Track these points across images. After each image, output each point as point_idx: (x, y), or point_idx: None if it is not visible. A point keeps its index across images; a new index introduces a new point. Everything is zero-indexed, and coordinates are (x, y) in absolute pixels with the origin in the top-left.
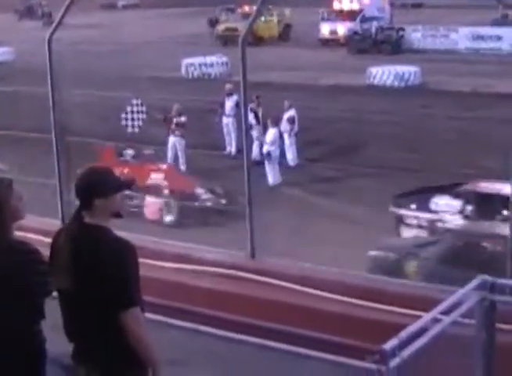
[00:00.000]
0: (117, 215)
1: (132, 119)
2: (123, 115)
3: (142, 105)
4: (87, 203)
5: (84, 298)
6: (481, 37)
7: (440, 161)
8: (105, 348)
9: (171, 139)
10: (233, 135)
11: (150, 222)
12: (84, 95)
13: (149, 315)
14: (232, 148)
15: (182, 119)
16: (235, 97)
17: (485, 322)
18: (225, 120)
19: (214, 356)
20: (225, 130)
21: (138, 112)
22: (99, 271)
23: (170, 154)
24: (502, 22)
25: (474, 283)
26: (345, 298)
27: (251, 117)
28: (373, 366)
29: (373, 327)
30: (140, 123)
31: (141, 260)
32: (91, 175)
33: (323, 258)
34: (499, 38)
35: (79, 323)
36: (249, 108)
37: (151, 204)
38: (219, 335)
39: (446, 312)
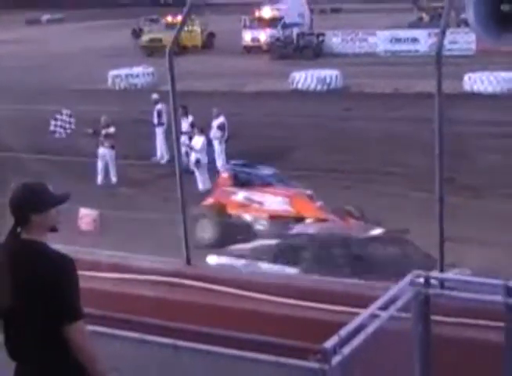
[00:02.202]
0: (53, 230)
1: (62, 127)
2: (52, 122)
3: (70, 116)
4: (23, 219)
5: (27, 315)
6: (398, 40)
7: (366, 161)
8: (51, 364)
9: (101, 150)
10: (161, 143)
11: None
12: (9, 109)
13: (90, 327)
14: (163, 156)
15: (111, 130)
16: (159, 106)
17: (421, 315)
18: (156, 129)
19: (158, 363)
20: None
21: (67, 122)
22: (39, 286)
23: (100, 165)
24: (418, 24)
25: (409, 278)
26: (283, 300)
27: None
28: (316, 365)
29: (313, 327)
30: (68, 131)
31: (79, 272)
32: (26, 190)
33: None
34: (415, 40)
35: (22, 340)
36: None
37: None
38: (161, 343)
39: (383, 308)
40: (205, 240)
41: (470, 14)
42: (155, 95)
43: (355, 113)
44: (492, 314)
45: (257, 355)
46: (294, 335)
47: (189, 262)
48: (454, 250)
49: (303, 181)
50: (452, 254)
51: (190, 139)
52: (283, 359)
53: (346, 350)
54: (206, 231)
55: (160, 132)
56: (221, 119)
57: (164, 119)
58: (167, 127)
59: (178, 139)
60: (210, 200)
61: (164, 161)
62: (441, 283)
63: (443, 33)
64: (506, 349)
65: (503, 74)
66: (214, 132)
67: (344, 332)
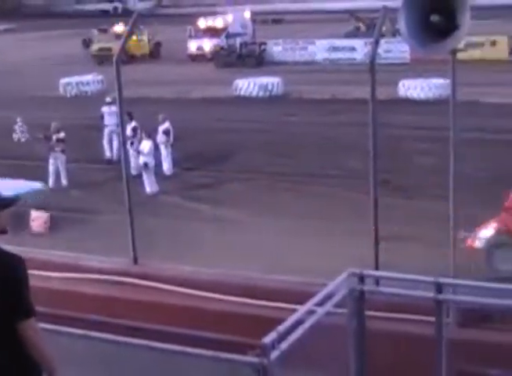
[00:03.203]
0: (3, 232)
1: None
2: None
3: (22, 122)
4: None
5: None
6: (336, 49)
7: (306, 164)
8: (5, 362)
9: (52, 155)
10: (115, 143)
11: None
12: None
13: (41, 324)
14: (112, 155)
15: (61, 135)
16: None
17: (356, 311)
18: (106, 130)
19: (103, 359)
20: (106, 139)
21: (21, 131)
22: None
23: (51, 169)
24: (355, 34)
25: (344, 275)
26: (225, 297)
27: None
28: (255, 359)
29: (253, 323)
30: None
31: (30, 271)
32: None
33: (205, 260)
34: (352, 49)
35: None
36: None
37: None
38: (107, 339)
39: (320, 304)
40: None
41: (401, 24)
42: (109, 98)
43: (295, 118)
44: (423, 309)
45: (199, 350)
46: (235, 331)
47: (136, 261)
48: (387, 248)
49: (245, 183)
50: (385, 252)
51: (132, 144)
52: (223, 355)
53: (284, 345)
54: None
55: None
56: (166, 124)
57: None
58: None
59: (124, 143)
60: (494, 225)
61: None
62: (377, 280)
63: (377, 42)
64: (437, 342)
65: (435, 81)
66: (160, 137)
67: (282, 328)
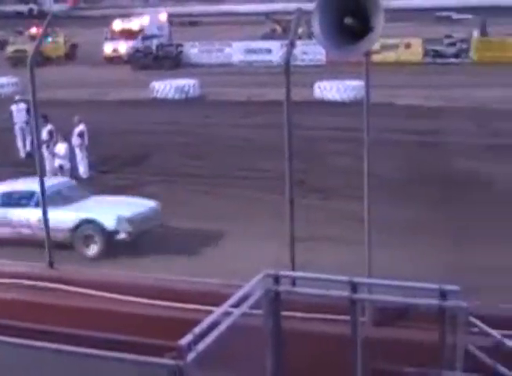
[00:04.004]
0: None
1: None
2: None
3: None
4: None
5: None
6: (252, 51)
7: (223, 166)
8: None
9: None
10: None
11: None
12: None
13: None
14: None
15: None
16: (23, 105)
17: (272, 311)
18: (16, 127)
19: (16, 364)
20: (19, 137)
21: None
22: None
23: None
24: (271, 36)
25: (260, 276)
26: (141, 299)
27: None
28: (171, 362)
29: (170, 325)
30: None
31: None
32: None
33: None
34: (268, 51)
35: None
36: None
37: None
38: (19, 344)
39: (236, 305)
40: None
41: (315, 27)
42: (17, 97)
43: (211, 120)
44: (340, 309)
45: (115, 353)
46: (152, 334)
47: (51, 265)
48: (302, 248)
49: (162, 186)
50: (300, 253)
51: (48, 146)
52: (139, 357)
53: (201, 347)
54: None
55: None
56: (81, 127)
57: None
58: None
59: (39, 146)
60: None
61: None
62: (293, 281)
63: (292, 44)
64: (352, 341)
65: (349, 83)
66: (75, 140)
67: (198, 329)
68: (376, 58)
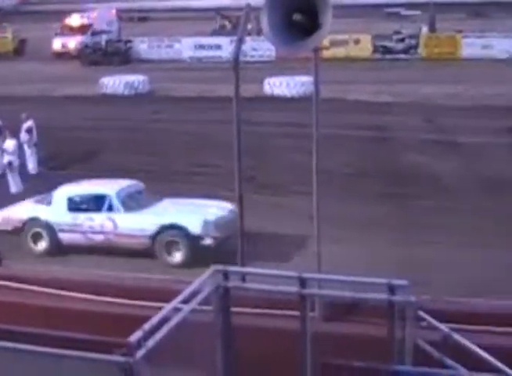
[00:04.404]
0: None
1: None
2: None
3: None
4: None
5: None
6: (202, 47)
7: (173, 162)
8: None
9: None
10: None
11: None
12: None
13: None
14: None
15: None
16: None
17: (221, 307)
18: None
19: None
20: None
21: None
22: None
23: None
24: (221, 32)
25: (209, 272)
26: (91, 296)
27: None
28: (121, 358)
29: (121, 322)
30: None
31: None
32: None
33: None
34: (218, 47)
35: None
36: None
37: None
38: None
39: (186, 301)
40: None
41: (264, 23)
42: None
43: (161, 116)
44: (289, 304)
45: (65, 351)
46: (103, 331)
47: (0, 262)
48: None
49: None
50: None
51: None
52: (89, 355)
53: (150, 343)
54: None
55: None
56: (29, 123)
57: None
58: None
59: None
60: None
61: None
62: (243, 277)
63: (240, 40)
64: (302, 336)
65: (298, 78)
66: (23, 136)
67: (148, 326)
68: (325, 54)
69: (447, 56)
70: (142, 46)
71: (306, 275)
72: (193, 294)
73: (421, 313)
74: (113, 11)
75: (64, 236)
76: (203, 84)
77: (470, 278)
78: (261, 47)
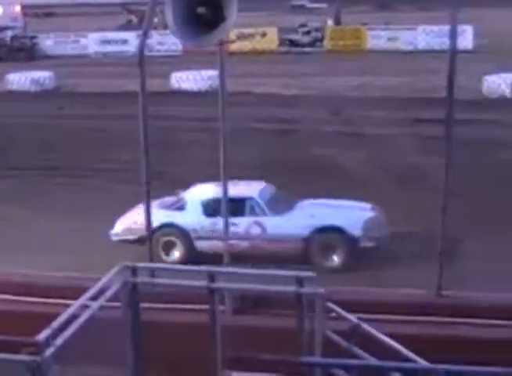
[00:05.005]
0: None
1: None
2: None
3: None
4: None
5: None
6: (108, 42)
7: (81, 158)
8: None
9: None
10: None
11: None
12: None
13: None
14: None
15: None
16: None
17: (130, 303)
18: None
19: None
20: None
21: None
22: None
23: None
24: (127, 27)
25: (117, 268)
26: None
27: None
28: (28, 357)
29: (29, 321)
30: None
31: None
32: None
33: None
34: (124, 42)
35: None
36: None
37: None
38: None
39: (94, 298)
40: None
41: (169, 17)
42: None
43: (68, 111)
44: (199, 298)
45: None
46: (12, 330)
47: None
48: None
49: (19, 180)
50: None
51: None
52: None
53: (59, 341)
54: None
55: None
56: None
57: None
58: None
59: None
60: None
61: None
62: (152, 273)
63: (145, 35)
64: (212, 330)
65: (204, 72)
66: None
67: (56, 324)
68: (232, 47)
69: (353, 48)
70: (48, 42)
71: (215, 269)
72: (102, 291)
73: (329, 304)
74: (18, 7)
75: (201, 244)
76: (109, 80)
77: None
78: (167, 41)
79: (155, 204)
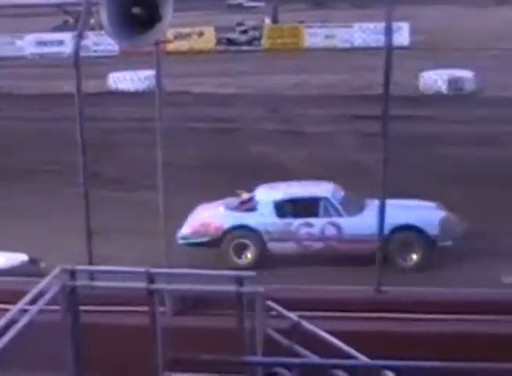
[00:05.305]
0: None
1: None
2: None
3: None
4: None
5: None
6: (44, 43)
7: (21, 161)
8: None
9: None
10: None
11: None
12: None
13: None
14: None
15: None
16: None
17: (69, 306)
18: None
19: None
20: None
21: None
22: None
23: None
24: (63, 27)
25: (56, 271)
26: None
27: None
28: None
29: None
30: None
31: None
32: None
33: None
34: (61, 43)
35: None
36: None
37: None
38: None
39: (32, 302)
40: None
41: (103, 17)
42: None
43: (5, 113)
44: (139, 300)
45: None
46: None
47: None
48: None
49: None
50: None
51: None
52: None
53: None
54: None
55: None
56: None
57: None
58: None
59: None
60: None
61: None
62: (91, 275)
63: (80, 35)
64: (151, 332)
65: (141, 73)
66: None
67: None
68: (169, 47)
69: (290, 46)
70: None
71: (154, 270)
72: (40, 295)
73: (270, 303)
74: None
75: (275, 246)
76: (46, 81)
77: None
78: (103, 42)
79: (221, 205)
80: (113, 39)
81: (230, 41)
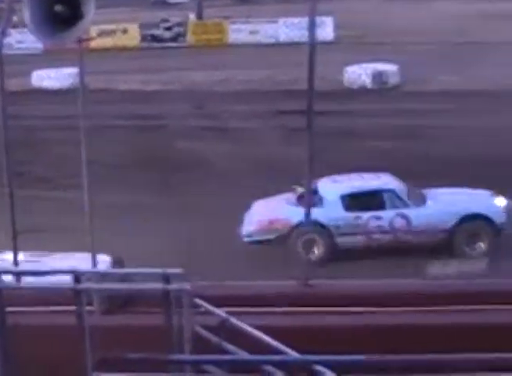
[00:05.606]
0: None
1: None
2: None
3: None
4: None
5: None
6: None
7: None
8: None
9: None
10: None
11: None
12: None
13: None
14: None
15: None
16: None
17: None
18: None
19: None
20: None
21: None
22: None
23: None
24: None
25: None
26: None
27: None
28: None
29: None
30: None
31: None
32: None
33: None
34: None
35: None
36: None
37: None
38: None
39: None
40: None
41: (26, 15)
42: None
43: None
44: (67, 300)
45: None
46: None
47: None
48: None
49: None
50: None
51: None
52: None
53: None
54: None
55: None
56: None
57: None
58: None
59: None
60: None
61: None
62: (18, 276)
63: (2, 33)
64: (79, 332)
65: (65, 70)
66: None
67: None
68: (93, 44)
69: (215, 42)
70: None
71: (80, 270)
72: None
73: (197, 300)
74: None
75: (343, 240)
76: None
77: None
78: (26, 39)
79: (281, 201)
80: (36, 37)
81: (155, 38)
